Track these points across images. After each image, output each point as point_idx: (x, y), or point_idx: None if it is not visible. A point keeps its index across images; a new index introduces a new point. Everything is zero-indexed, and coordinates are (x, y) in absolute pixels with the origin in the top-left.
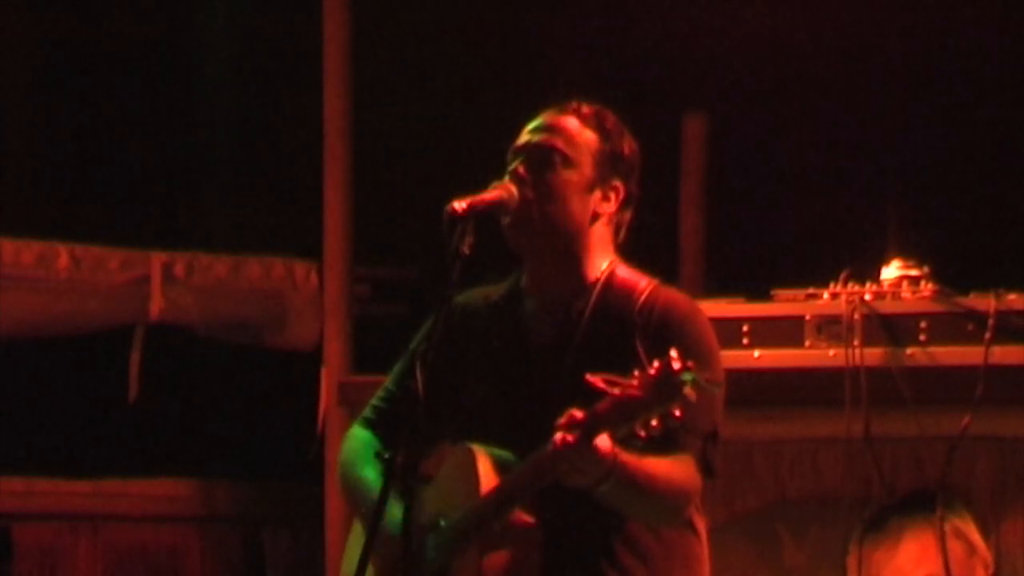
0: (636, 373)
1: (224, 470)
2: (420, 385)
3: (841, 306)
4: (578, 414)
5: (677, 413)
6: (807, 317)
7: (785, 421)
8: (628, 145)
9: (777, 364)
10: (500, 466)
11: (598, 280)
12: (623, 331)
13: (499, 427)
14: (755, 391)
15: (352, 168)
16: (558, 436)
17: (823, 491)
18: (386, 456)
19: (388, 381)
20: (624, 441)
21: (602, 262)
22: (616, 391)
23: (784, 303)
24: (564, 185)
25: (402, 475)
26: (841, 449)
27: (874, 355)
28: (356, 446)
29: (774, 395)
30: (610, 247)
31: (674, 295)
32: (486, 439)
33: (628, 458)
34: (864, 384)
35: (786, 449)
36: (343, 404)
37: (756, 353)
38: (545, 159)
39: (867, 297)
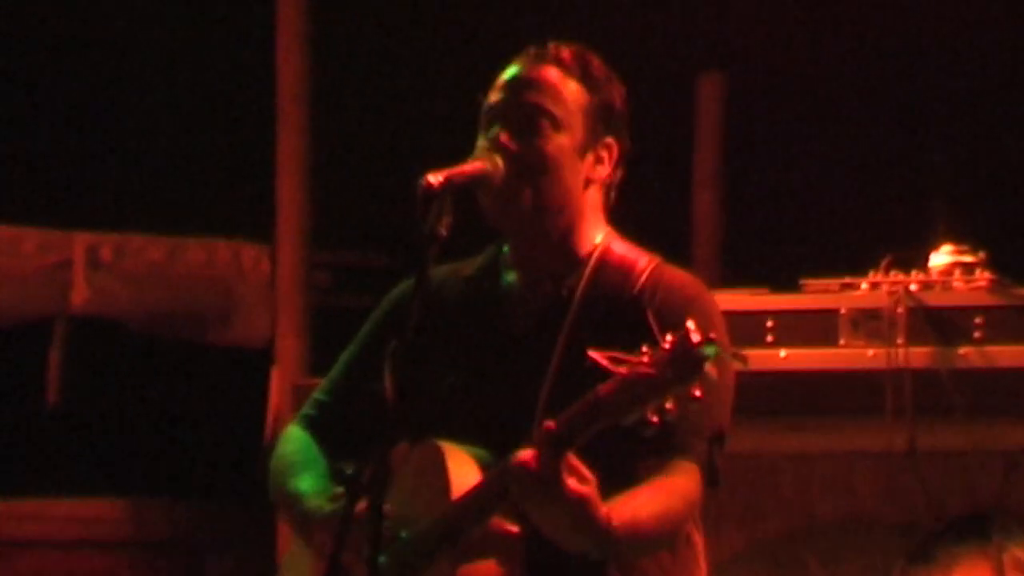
0: (645, 348)
1: (159, 488)
2: (390, 390)
3: (882, 298)
4: (551, 425)
5: (697, 393)
6: (842, 311)
7: (815, 432)
8: (618, 92)
9: (807, 365)
10: (475, 465)
11: (591, 255)
12: (621, 314)
13: (470, 420)
14: (781, 397)
15: (310, 140)
16: (521, 454)
17: (859, 513)
18: (349, 473)
19: (335, 370)
20: (632, 432)
21: (595, 234)
22: (623, 370)
23: (815, 295)
24: (556, 153)
25: (371, 492)
26: (881, 465)
27: (920, 355)
28: (291, 450)
29: (803, 402)
30: (602, 214)
31: (679, 274)
32: (454, 434)
33: (622, 517)
34: (909, 389)
35: (816, 464)
36: (297, 410)
37: (782, 353)
38: (531, 123)
39: (912, 287)
